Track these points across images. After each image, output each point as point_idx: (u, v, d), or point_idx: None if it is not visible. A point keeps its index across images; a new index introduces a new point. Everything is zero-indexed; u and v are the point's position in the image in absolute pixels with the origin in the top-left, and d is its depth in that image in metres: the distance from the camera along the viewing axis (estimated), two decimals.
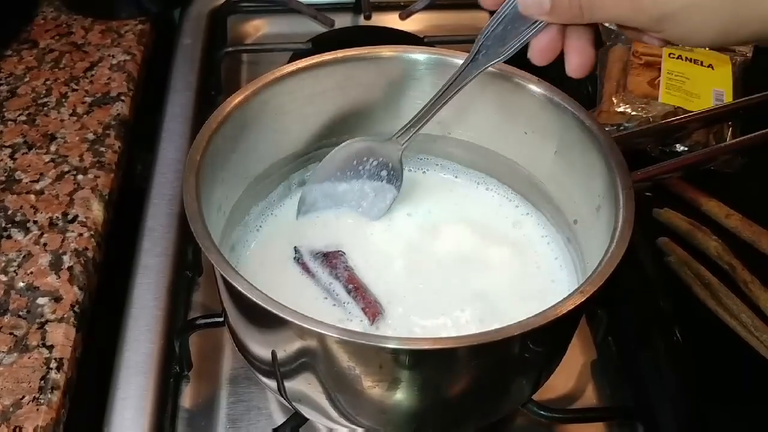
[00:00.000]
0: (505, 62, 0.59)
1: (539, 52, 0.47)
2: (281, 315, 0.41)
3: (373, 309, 0.54)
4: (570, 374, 0.64)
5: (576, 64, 0.47)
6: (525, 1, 0.46)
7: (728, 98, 0.76)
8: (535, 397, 0.55)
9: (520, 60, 0.91)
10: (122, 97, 0.79)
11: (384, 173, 0.60)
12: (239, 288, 0.43)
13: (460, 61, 0.59)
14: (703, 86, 0.77)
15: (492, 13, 0.49)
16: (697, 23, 0.41)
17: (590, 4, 0.43)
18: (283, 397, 0.51)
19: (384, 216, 0.62)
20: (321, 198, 0.61)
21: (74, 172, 0.70)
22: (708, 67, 0.79)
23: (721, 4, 0.40)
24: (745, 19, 0.41)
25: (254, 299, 0.42)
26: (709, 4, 0.40)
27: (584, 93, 0.80)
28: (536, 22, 0.47)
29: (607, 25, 0.49)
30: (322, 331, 0.41)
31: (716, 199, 0.69)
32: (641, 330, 0.65)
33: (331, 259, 0.58)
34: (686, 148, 0.74)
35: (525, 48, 0.49)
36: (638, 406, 0.61)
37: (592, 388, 0.63)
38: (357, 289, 0.55)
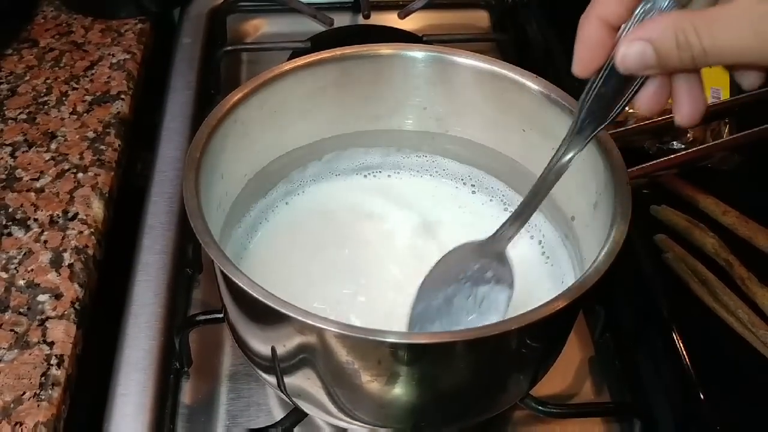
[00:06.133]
0: (504, 60, 0.59)
1: (647, 102, 0.42)
2: (281, 310, 0.42)
3: None
4: (568, 370, 0.64)
5: (687, 113, 0.41)
6: (624, 58, 0.39)
7: (725, 96, 0.77)
8: (533, 392, 0.55)
9: (517, 56, 0.92)
10: (122, 96, 0.79)
11: (490, 275, 0.52)
12: (239, 284, 0.43)
13: (459, 59, 0.59)
14: None
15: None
16: None
17: (703, 51, 0.37)
18: (282, 392, 0.52)
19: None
20: (432, 314, 0.53)
21: (74, 170, 0.71)
22: None
23: None
24: None
25: (254, 295, 0.42)
26: None
27: (581, 91, 0.81)
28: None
29: None
30: (322, 326, 0.41)
31: (713, 196, 0.69)
32: (639, 326, 0.66)
33: None
34: (683, 146, 0.74)
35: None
36: (635, 402, 0.62)
37: (589, 384, 0.64)
38: None
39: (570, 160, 0.48)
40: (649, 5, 0.40)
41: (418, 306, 0.52)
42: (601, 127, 0.46)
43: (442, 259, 0.53)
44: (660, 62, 0.38)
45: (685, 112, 0.41)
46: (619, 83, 0.43)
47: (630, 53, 0.39)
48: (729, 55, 0.37)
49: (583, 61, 0.42)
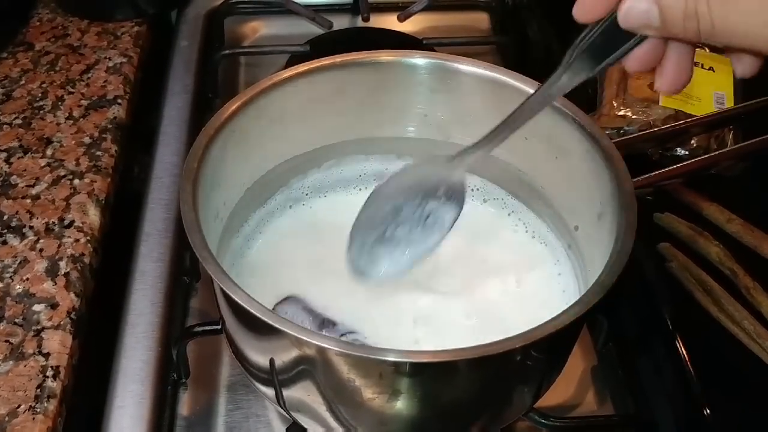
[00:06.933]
0: (504, 62, 0.59)
1: (637, 62, 0.41)
2: (280, 327, 0.41)
3: None
4: (571, 381, 0.63)
5: (669, 82, 0.40)
6: (628, 14, 0.38)
7: (729, 101, 0.76)
8: (536, 404, 0.54)
9: (518, 59, 0.91)
10: (119, 100, 0.78)
11: (442, 191, 0.53)
12: (238, 300, 0.42)
13: (460, 66, 0.59)
14: (703, 89, 0.77)
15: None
16: None
17: (712, 26, 0.36)
18: (281, 406, 0.51)
19: None
20: (378, 221, 0.54)
21: (70, 177, 0.70)
22: (709, 69, 0.78)
23: None
24: None
25: (253, 311, 0.42)
26: None
27: (585, 97, 0.80)
28: None
29: None
30: (322, 344, 0.41)
31: (717, 203, 0.69)
32: (642, 336, 0.65)
33: None
34: (687, 153, 0.73)
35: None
36: (639, 413, 0.61)
37: (592, 394, 0.63)
38: None
39: (551, 99, 0.48)
40: None
41: (366, 211, 0.53)
42: (589, 74, 0.44)
43: (400, 172, 0.54)
44: (663, 26, 0.37)
45: (667, 80, 0.41)
46: (615, 37, 0.41)
47: (635, 8, 0.38)
48: (736, 37, 0.36)
49: (586, 6, 0.40)
